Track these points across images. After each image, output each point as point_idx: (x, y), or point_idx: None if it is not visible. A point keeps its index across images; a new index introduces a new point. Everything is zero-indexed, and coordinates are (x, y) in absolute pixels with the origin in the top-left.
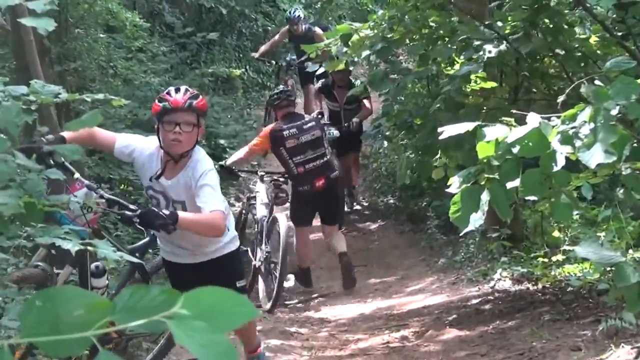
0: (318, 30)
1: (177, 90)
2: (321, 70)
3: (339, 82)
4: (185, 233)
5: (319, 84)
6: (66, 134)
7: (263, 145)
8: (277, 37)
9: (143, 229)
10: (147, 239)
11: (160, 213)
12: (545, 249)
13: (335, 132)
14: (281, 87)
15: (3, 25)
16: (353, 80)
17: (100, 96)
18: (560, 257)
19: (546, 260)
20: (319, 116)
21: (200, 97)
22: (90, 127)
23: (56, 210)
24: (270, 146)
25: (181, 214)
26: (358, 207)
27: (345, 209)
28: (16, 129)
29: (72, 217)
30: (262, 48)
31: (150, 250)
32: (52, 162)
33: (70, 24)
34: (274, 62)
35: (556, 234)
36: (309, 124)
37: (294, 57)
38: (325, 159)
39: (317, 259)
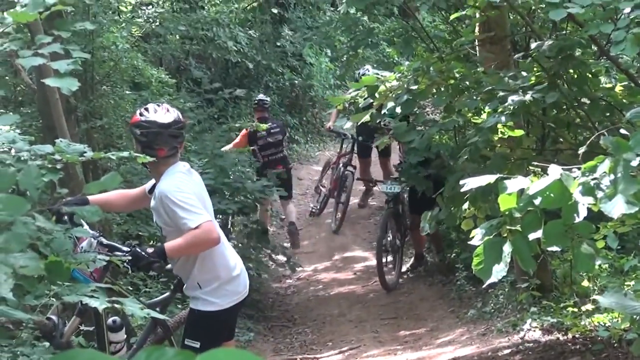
0: None
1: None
2: (348, 124)
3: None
4: (179, 265)
5: None
6: (92, 198)
7: (242, 143)
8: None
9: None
10: (167, 293)
11: (143, 254)
12: (574, 299)
13: (395, 188)
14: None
15: (29, 84)
16: None
17: (126, 154)
18: (589, 306)
19: (576, 310)
20: (399, 168)
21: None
22: (110, 189)
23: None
24: (247, 143)
25: (167, 245)
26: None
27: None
28: (36, 192)
29: (85, 272)
30: (332, 119)
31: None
32: (70, 222)
33: (96, 81)
34: (350, 135)
35: (585, 283)
36: (276, 129)
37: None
38: (281, 154)
39: (346, 312)
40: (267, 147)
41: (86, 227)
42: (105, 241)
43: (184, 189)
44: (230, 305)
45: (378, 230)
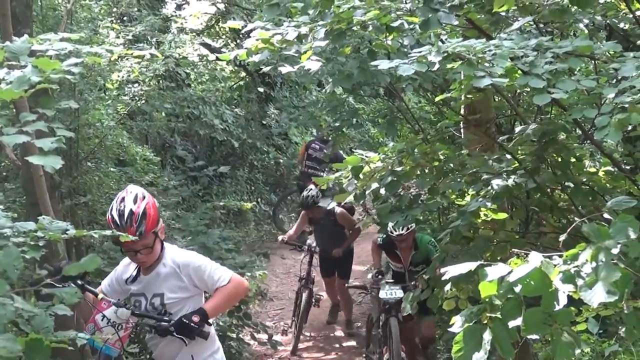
0: (339, 210)
1: (121, 217)
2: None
3: (401, 244)
4: (166, 342)
5: (379, 239)
6: None
7: (302, 153)
8: (299, 221)
9: (182, 338)
10: None
11: (192, 324)
12: None
13: (398, 293)
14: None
15: (13, 160)
16: (419, 238)
17: (108, 232)
18: None
19: None
20: (378, 276)
21: (148, 212)
22: (90, 270)
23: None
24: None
25: (207, 307)
26: None
27: None
28: (15, 272)
29: (104, 340)
30: (290, 232)
31: None
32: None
33: (81, 158)
34: (305, 246)
35: None
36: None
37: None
38: (320, 173)
39: None
40: (311, 159)
41: (101, 295)
42: (137, 311)
43: (193, 254)
44: None
45: (390, 347)
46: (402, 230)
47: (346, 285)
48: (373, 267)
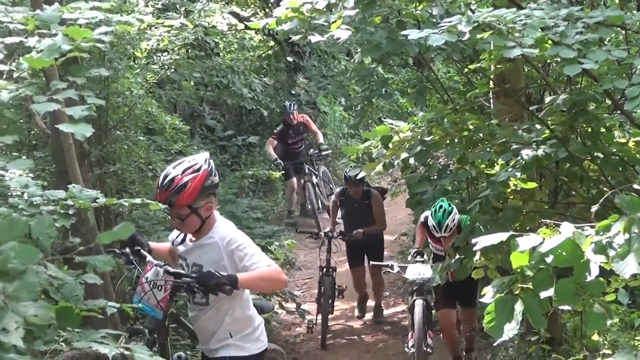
0: (375, 192)
1: (164, 178)
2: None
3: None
4: (207, 317)
5: (422, 217)
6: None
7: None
8: (332, 212)
9: (203, 292)
10: None
11: (217, 274)
12: (584, 353)
13: (427, 272)
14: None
15: (43, 128)
16: (462, 220)
17: (138, 201)
18: None
19: None
20: (416, 256)
21: (189, 186)
22: (123, 238)
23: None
24: None
25: (240, 275)
26: None
27: None
28: (48, 240)
29: (151, 303)
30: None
31: None
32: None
33: (110, 126)
34: (322, 233)
35: (595, 337)
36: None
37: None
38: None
39: None
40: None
41: (150, 258)
42: (171, 269)
43: (243, 235)
44: (258, 352)
45: (414, 332)
46: (445, 232)
47: (371, 263)
48: (414, 247)
